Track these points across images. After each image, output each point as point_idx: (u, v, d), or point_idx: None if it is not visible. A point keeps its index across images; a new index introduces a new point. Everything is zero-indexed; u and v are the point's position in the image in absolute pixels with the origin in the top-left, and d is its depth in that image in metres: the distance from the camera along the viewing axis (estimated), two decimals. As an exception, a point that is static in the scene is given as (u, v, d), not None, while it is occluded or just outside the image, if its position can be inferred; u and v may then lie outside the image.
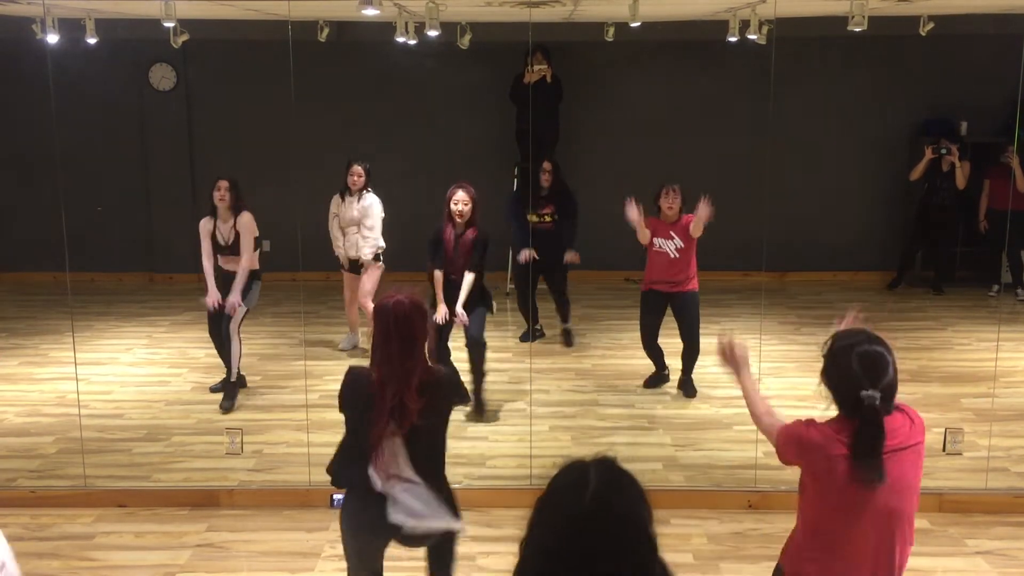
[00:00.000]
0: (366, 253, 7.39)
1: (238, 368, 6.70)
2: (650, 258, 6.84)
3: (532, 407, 6.36)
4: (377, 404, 3.41)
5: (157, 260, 10.29)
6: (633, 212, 6.64)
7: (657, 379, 7.09)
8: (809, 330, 8.46)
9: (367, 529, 3.56)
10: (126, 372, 7.47)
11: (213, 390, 6.89)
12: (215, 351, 6.89)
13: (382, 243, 7.44)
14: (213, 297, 6.56)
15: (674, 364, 7.02)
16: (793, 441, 2.97)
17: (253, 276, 6.63)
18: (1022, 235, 8.53)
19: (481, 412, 6.46)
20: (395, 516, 3.45)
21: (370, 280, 7.45)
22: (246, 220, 6.56)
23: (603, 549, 1.73)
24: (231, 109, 10.00)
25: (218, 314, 6.61)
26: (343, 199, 7.45)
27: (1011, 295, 9.33)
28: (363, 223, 7.37)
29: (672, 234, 6.70)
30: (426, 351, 3.53)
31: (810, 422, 2.96)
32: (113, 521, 5.17)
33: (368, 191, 7.40)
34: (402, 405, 3.37)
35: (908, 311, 9.11)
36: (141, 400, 6.84)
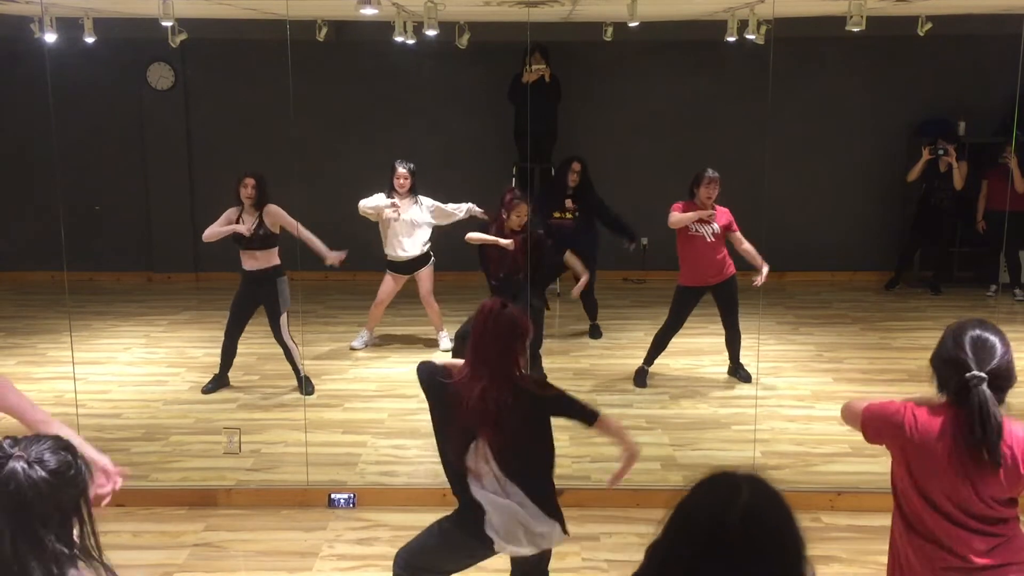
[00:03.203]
0: (425, 249, 7.63)
1: (302, 366, 6.84)
2: (685, 249, 6.79)
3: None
4: (463, 403, 3.35)
5: (155, 259, 10.28)
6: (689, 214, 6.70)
7: (644, 375, 7.09)
8: (807, 330, 8.47)
9: (461, 542, 3.52)
10: (124, 372, 7.47)
11: (205, 391, 6.90)
12: (217, 350, 6.93)
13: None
14: (238, 225, 6.64)
15: (669, 361, 7.02)
16: (875, 417, 2.90)
17: (279, 273, 6.74)
18: (1020, 235, 8.53)
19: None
20: (488, 531, 3.42)
21: (430, 279, 7.69)
22: (274, 210, 6.69)
23: (750, 566, 1.61)
24: (229, 108, 9.99)
25: (244, 313, 6.78)
26: (394, 199, 7.52)
27: (1009, 295, 9.34)
28: (426, 224, 7.59)
29: (709, 219, 6.72)
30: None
31: (904, 403, 2.87)
32: (111, 520, 5.16)
33: (415, 195, 7.56)
34: (494, 408, 3.32)
35: (906, 311, 9.11)
36: (139, 400, 6.84)
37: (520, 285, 6.38)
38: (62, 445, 2.08)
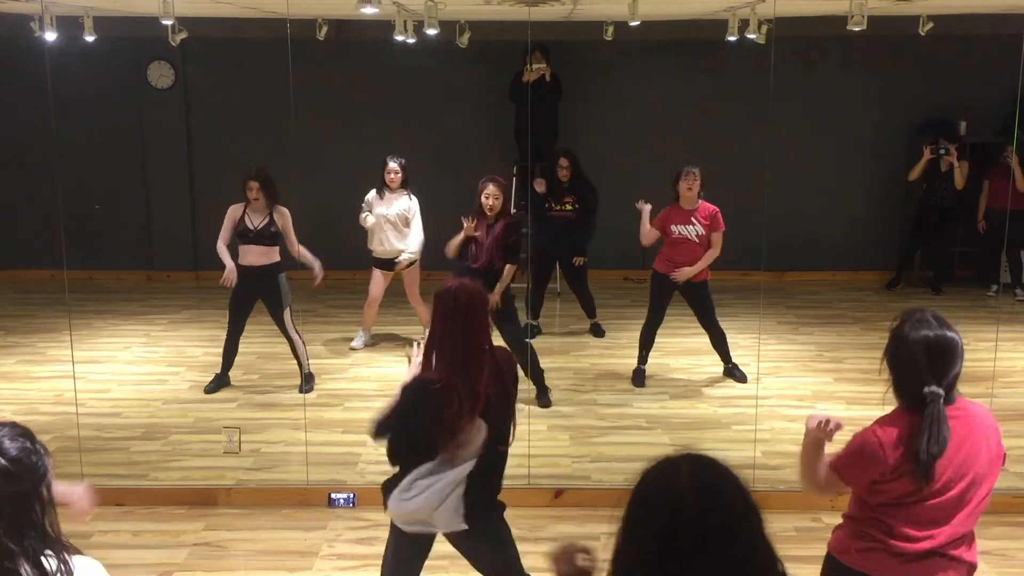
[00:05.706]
0: (412, 252, 7.54)
1: (307, 361, 6.90)
2: (669, 245, 6.83)
3: (530, 406, 6.35)
4: (448, 397, 3.36)
5: (155, 258, 10.27)
6: (646, 209, 6.81)
7: (641, 375, 7.09)
8: (807, 330, 8.47)
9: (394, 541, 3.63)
10: (124, 370, 7.46)
11: (208, 391, 6.89)
12: (217, 349, 6.93)
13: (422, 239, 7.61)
14: (232, 272, 6.62)
15: (668, 361, 7.00)
16: (853, 466, 2.92)
17: (280, 268, 6.75)
18: (1021, 235, 8.52)
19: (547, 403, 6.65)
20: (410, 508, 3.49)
21: (415, 281, 7.68)
22: (285, 213, 6.70)
23: (712, 534, 1.66)
24: (229, 107, 9.99)
25: (244, 310, 6.78)
26: (381, 196, 7.50)
27: (1010, 295, 9.33)
28: (408, 223, 7.52)
29: (693, 220, 6.71)
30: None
31: (869, 431, 2.86)
32: (111, 520, 5.16)
33: (407, 190, 7.52)
34: (474, 392, 3.37)
35: (907, 311, 9.10)
36: (139, 399, 6.83)
37: (497, 276, 6.35)
38: (19, 432, 2.07)
